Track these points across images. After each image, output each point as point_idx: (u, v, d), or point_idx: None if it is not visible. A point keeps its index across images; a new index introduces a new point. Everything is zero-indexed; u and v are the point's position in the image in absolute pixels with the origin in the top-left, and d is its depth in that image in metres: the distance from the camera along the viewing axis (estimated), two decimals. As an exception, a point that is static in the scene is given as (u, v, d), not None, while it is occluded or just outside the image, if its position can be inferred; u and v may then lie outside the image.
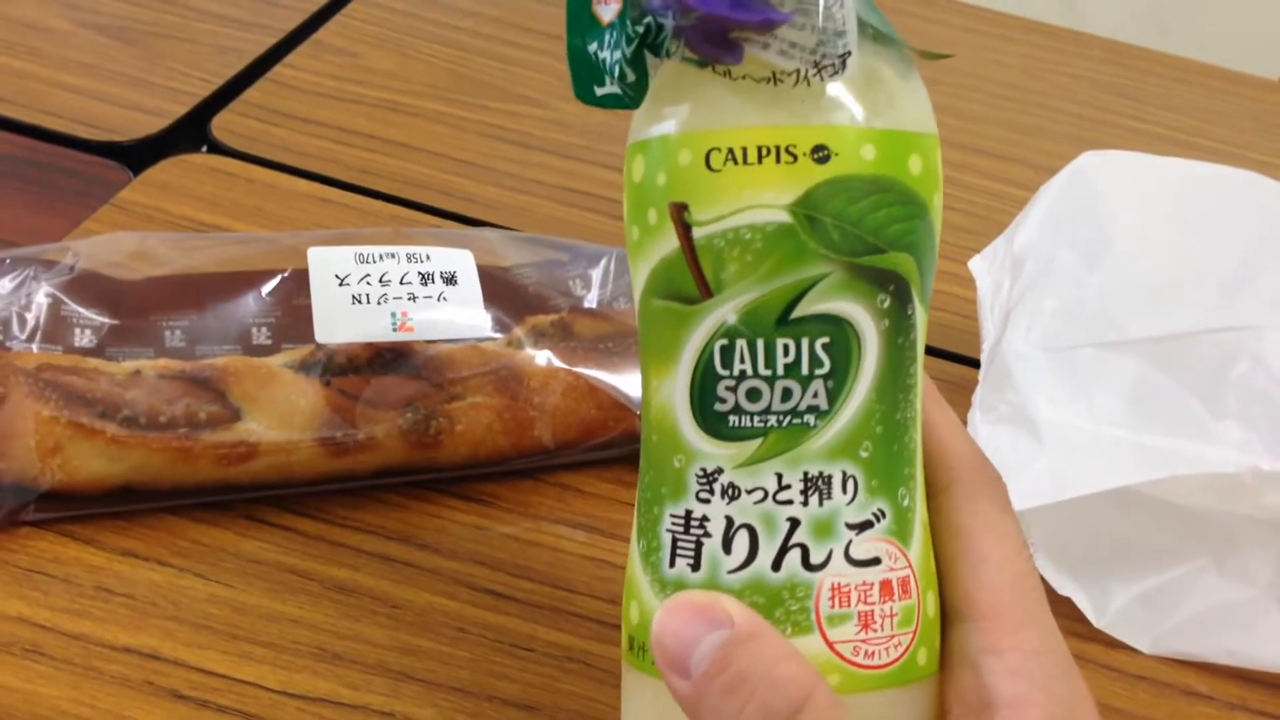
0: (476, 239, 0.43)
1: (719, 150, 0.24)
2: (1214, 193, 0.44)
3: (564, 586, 0.37)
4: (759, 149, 0.24)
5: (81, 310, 0.39)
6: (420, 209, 0.50)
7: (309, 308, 0.39)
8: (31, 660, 0.32)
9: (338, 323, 0.38)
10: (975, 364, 0.44)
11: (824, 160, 0.24)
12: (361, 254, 0.40)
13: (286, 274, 0.40)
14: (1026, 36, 0.74)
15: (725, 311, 0.25)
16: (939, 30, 0.73)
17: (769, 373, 0.25)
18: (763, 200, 0.24)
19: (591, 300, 0.44)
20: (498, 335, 0.41)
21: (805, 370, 0.25)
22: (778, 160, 0.24)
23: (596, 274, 0.45)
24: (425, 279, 0.40)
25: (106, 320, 0.39)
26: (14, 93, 0.51)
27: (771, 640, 0.23)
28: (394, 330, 0.39)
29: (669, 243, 0.25)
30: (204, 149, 0.51)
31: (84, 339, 0.39)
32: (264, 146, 0.51)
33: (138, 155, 0.50)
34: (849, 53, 0.24)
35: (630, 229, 0.26)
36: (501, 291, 0.42)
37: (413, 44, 0.60)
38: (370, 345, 0.39)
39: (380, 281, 0.39)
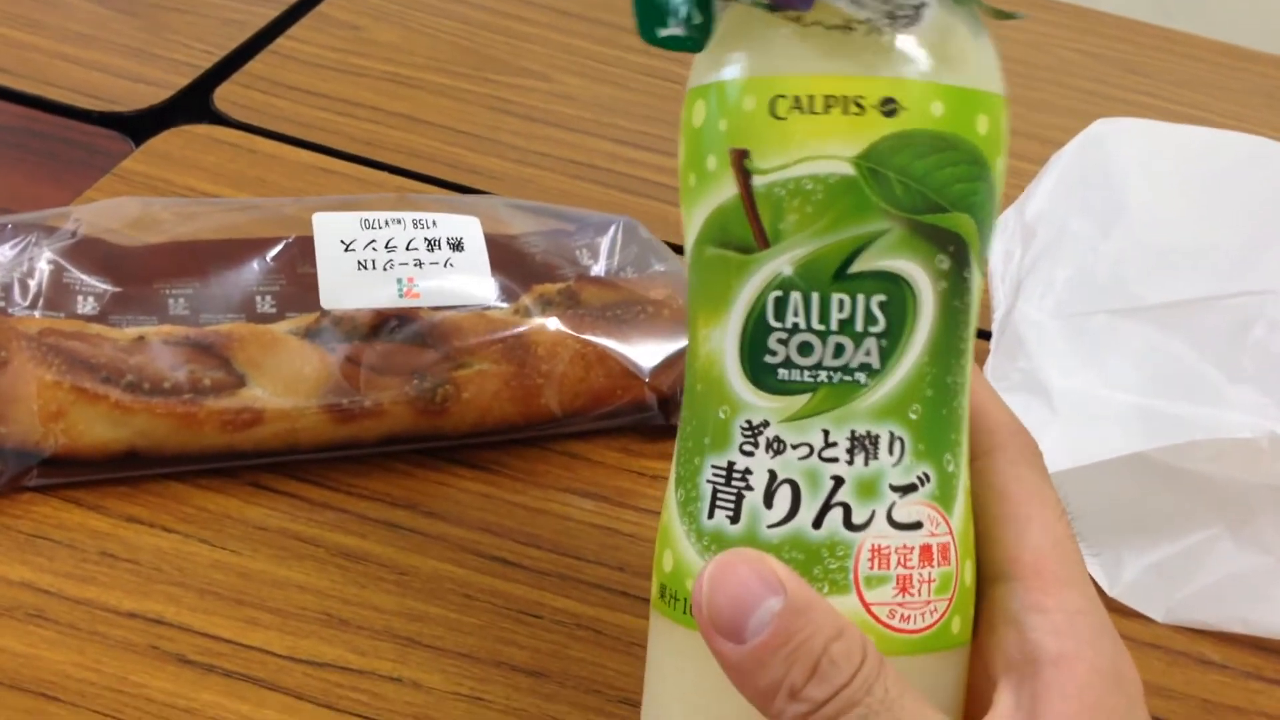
0: (483, 205, 0.43)
1: (785, 98, 0.24)
2: (1227, 159, 0.43)
3: (572, 554, 0.36)
4: (826, 98, 0.24)
5: (84, 277, 0.38)
6: (425, 180, 0.50)
7: (313, 275, 0.39)
8: (35, 625, 0.31)
9: (343, 289, 0.38)
10: (986, 335, 0.44)
11: (891, 114, 0.24)
12: (367, 219, 0.39)
13: (290, 241, 0.40)
14: (1034, 12, 0.74)
15: (781, 262, 0.24)
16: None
17: (822, 327, 0.24)
18: (827, 151, 0.24)
19: (599, 270, 0.44)
20: (505, 303, 0.41)
21: (859, 327, 0.24)
22: (844, 111, 0.24)
23: (604, 243, 0.45)
24: (431, 245, 0.40)
25: (109, 287, 0.39)
26: (16, 64, 0.51)
27: (826, 612, 0.23)
28: (400, 297, 0.38)
29: (727, 189, 0.25)
30: (207, 120, 0.51)
31: (86, 306, 0.38)
32: (267, 118, 0.51)
33: (140, 126, 0.49)
34: (923, 4, 0.24)
35: (686, 175, 0.26)
36: (508, 259, 0.42)
37: (416, 17, 0.60)
38: (376, 312, 0.38)
39: (386, 247, 0.39)
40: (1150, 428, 0.37)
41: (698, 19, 0.25)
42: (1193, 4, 1.51)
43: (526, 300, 0.41)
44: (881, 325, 0.24)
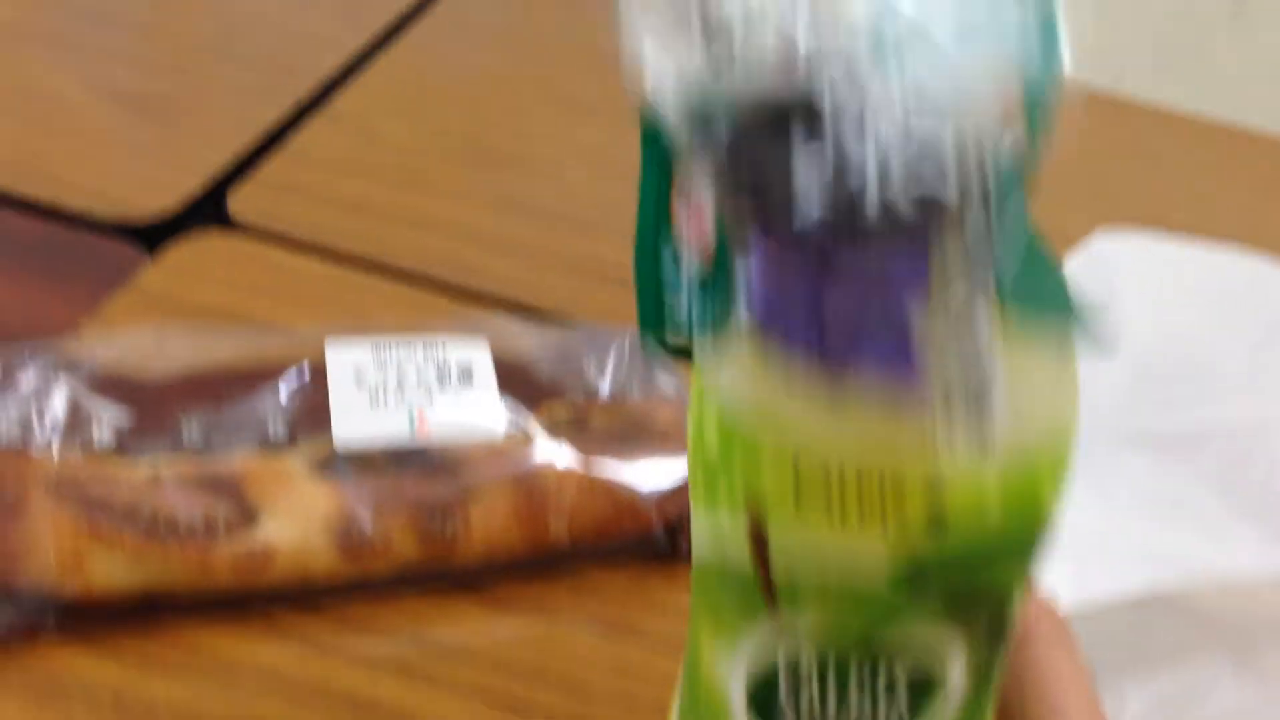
0: (490, 327, 0.44)
1: (814, 482, 0.20)
2: (1228, 281, 0.44)
3: (580, 691, 0.37)
4: (861, 501, 0.20)
5: (100, 407, 0.39)
6: (435, 283, 0.50)
7: (326, 402, 0.39)
8: (50, 777, 0.32)
9: (356, 424, 0.38)
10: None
11: (939, 520, 0.20)
12: (378, 346, 0.40)
13: (304, 368, 0.40)
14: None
15: (793, 629, 0.22)
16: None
17: (836, 703, 0.22)
18: (858, 549, 0.21)
19: (606, 385, 0.44)
20: (516, 425, 0.41)
21: (881, 710, 0.22)
22: (883, 519, 0.20)
23: (610, 358, 0.45)
24: (442, 373, 0.40)
25: (126, 416, 0.39)
26: (30, 169, 0.52)
27: None
28: (411, 430, 0.39)
29: (738, 537, 0.22)
30: (220, 223, 0.51)
31: (103, 435, 0.39)
32: (280, 221, 0.52)
33: (155, 232, 0.50)
34: (990, 397, 0.19)
35: (694, 486, 0.23)
36: (516, 380, 0.42)
37: (427, 110, 0.61)
38: (387, 443, 0.39)
39: (397, 378, 0.39)
40: (1155, 564, 0.37)
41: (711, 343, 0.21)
42: (1195, 78, 1.52)
43: (535, 424, 0.41)
44: (904, 702, 0.22)
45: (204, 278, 0.48)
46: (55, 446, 0.37)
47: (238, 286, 0.48)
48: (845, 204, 0.17)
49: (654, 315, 0.21)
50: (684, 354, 0.22)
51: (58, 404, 0.38)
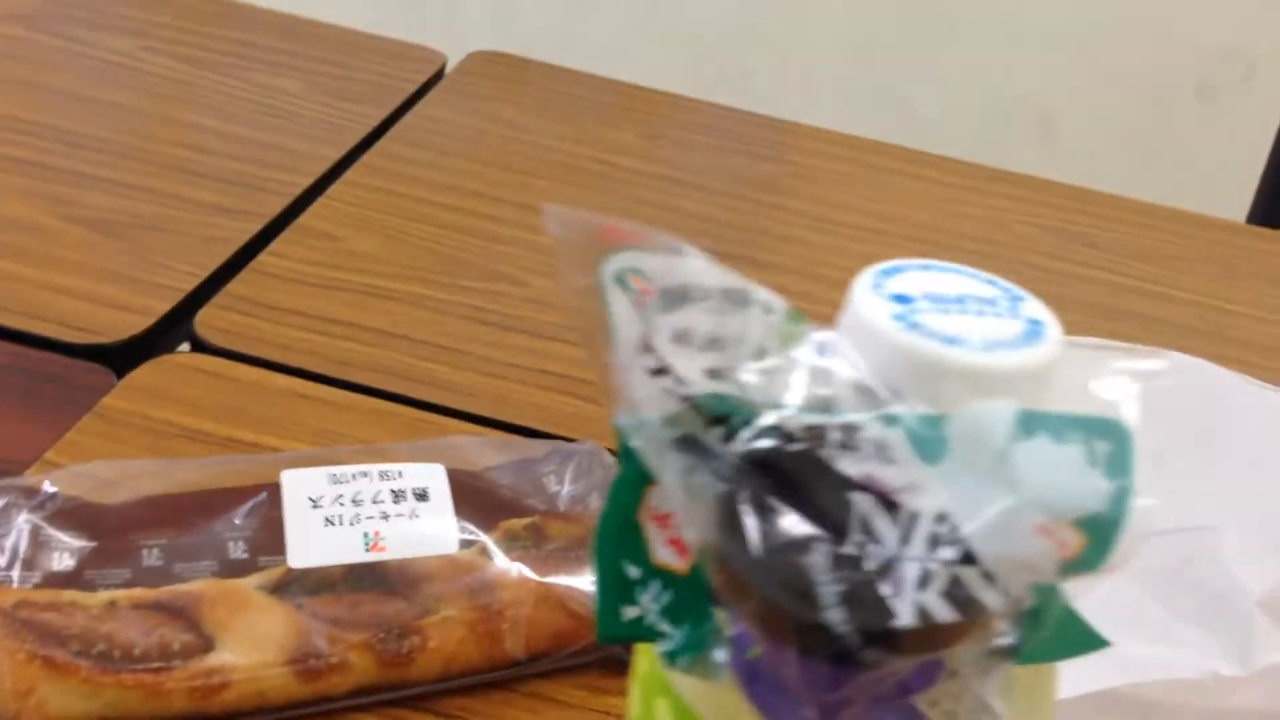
0: (448, 446, 0.44)
1: None
2: (1158, 381, 0.45)
3: (536, 807, 0.37)
4: None
5: (61, 536, 0.40)
6: (398, 400, 0.51)
7: (284, 526, 0.40)
8: None
9: (311, 545, 0.39)
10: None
11: None
12: (335, 475, 0.41)
13: (263, 494, 0.41)
14: (995, 186, 0.76)
15: None
16: (911, 183, 0.75)
17: None
18: None
19: (565, 495, 0.45)
20: (473, 538, 0.42)
21: None
22: None
23: (570, 470, 0.46)
24: (397, 496, 0.41)
25: (85, 543, 0.40)
26: (2, 296, 0.53)
27: None
28: (366, 550, 0.39)
29: None
30: (189, 343, 0.52)
31: (63, 563, 0.39)
32: (247, 341, 0.53)
33: (123, 355, 0.51)
34: None
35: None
36: (474, 497, 0.43)
37: (393, 223, 0.62)
38: (343, 564, 0.39)
39: (353, 502, 0.40)
40: (1103, 668, 0.38)
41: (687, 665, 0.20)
42: (1170, 147, 1.55)
43: (491, 539, 0.42)
44: None
45: (170, 399, 0.49)
46: (15, 577, 0.38)
47: (204, 407, 0.49)
48: (876, 612, 0.16)
49: (612, 607, 0.21)
50: (643, 637, 0.21)
51: (18, 535, 0.39)
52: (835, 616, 0.16)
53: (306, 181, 0.64)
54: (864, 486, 0.17)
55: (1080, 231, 0.73)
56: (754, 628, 0.17)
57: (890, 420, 0.17)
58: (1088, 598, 0.41)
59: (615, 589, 0.21)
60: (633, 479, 0.20)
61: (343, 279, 0.58)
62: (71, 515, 0.40)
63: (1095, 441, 0.17)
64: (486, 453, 0.45)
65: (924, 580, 0.16)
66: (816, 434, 0.18)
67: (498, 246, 0.62)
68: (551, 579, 0.41)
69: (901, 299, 0.20)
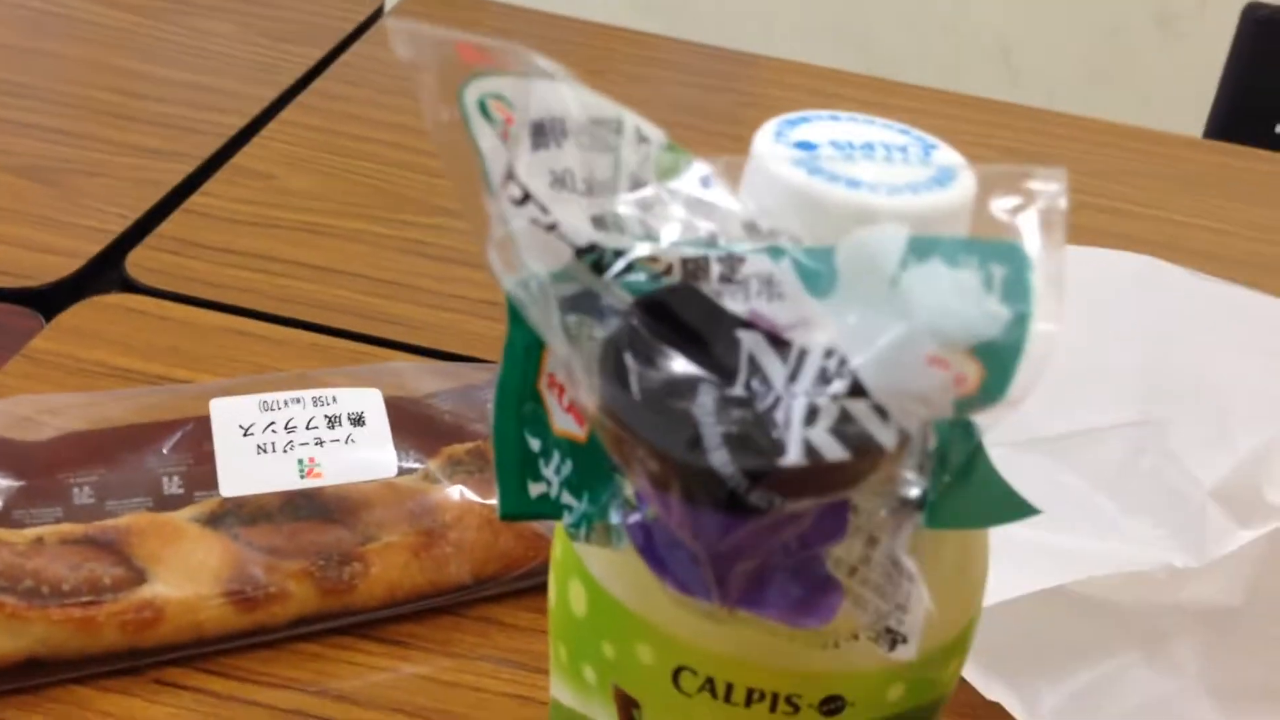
0: (387, 373, 0.43)
1: (693, 674, 0.19)
2: (1114, 280, 0.44)
3: (485, 729, 0.36)
4: (750, 691, 0.19)
5: (-14, 475, 0.38)
6: (339, 335, 0.50)
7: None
8: None
9: (243, 475, 0.38)
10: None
11: (835, 711, 0.19)
12: (265, 401, 0.40)
13: (193, 424, 0.40)
14: (952, 110, 0.75)
15: None
16: (868, 110, 0.74)
17: None
18: None
19: (510, 422, 0.44)
20: (415, 467, 0.41)
21: None
22: (772, 709, 0.19)
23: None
24: (332, 422, 0.40)
25: (13, 483, 0.39)
26: (-74, 243, 0.51)
27: None
28: (301, 477, 0.38)
29: (604, 699, 0.20)
30: (120, 287, 0.51)
31: (-10, 503, 0.38)
32: (180, 281, 0.51)
33: (53, 298, 0.50)
34: (905, 638, 0.18)
35: (555, 641, 0.22)
36: (414, 424, 0.42)
37: (331, 161, 0.61)
38: (280, 492, 0.38)
39: (286, 428, 0.39)
40: (1052, 564, 0.37)
41: (587, 534, 0.19)
42: (1125, 74, 1.54)
43: (433, 465, 0.41)
44: None
45: (101, 340, 0.47)
46: (-62, 517, 0.37)
47: (135, 347, 0.47)
48: (762, 453, 0.15)
49: (516, 484, 0.20)
50: (549, 514, 0.20)
51: (-59, 474, 0.38)
52: (719, 458, 0.15)
53: (240, 122, 0.62)
54: (750, 324, 0.16)
55: (1037, 151, 0.72)
56: (643, 482, 0.16)
57: (775, 252, 0.16)
58: (1031, 489, 0.40)
59: (518, 464, 0.20)
60: (526, 344, 0.19)
61: (279, 217, 0.56)
62: (-4, 454, 0.39)
63: (992, 266, 0.16)
64: (427, 379, 0.44)
65: (811, 416, 0.15)
66: (697, 267, 0.17)
67: (438, 181, 0.60)
68: (495, 501, 0.40)
69: (805, 145, 0.19)
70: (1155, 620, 0.38)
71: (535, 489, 0.20)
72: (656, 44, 0.78)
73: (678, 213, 0.17)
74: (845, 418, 0.15)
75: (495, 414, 0.20)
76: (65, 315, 0.48)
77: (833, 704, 0.19)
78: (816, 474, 0.15)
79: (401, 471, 0.40)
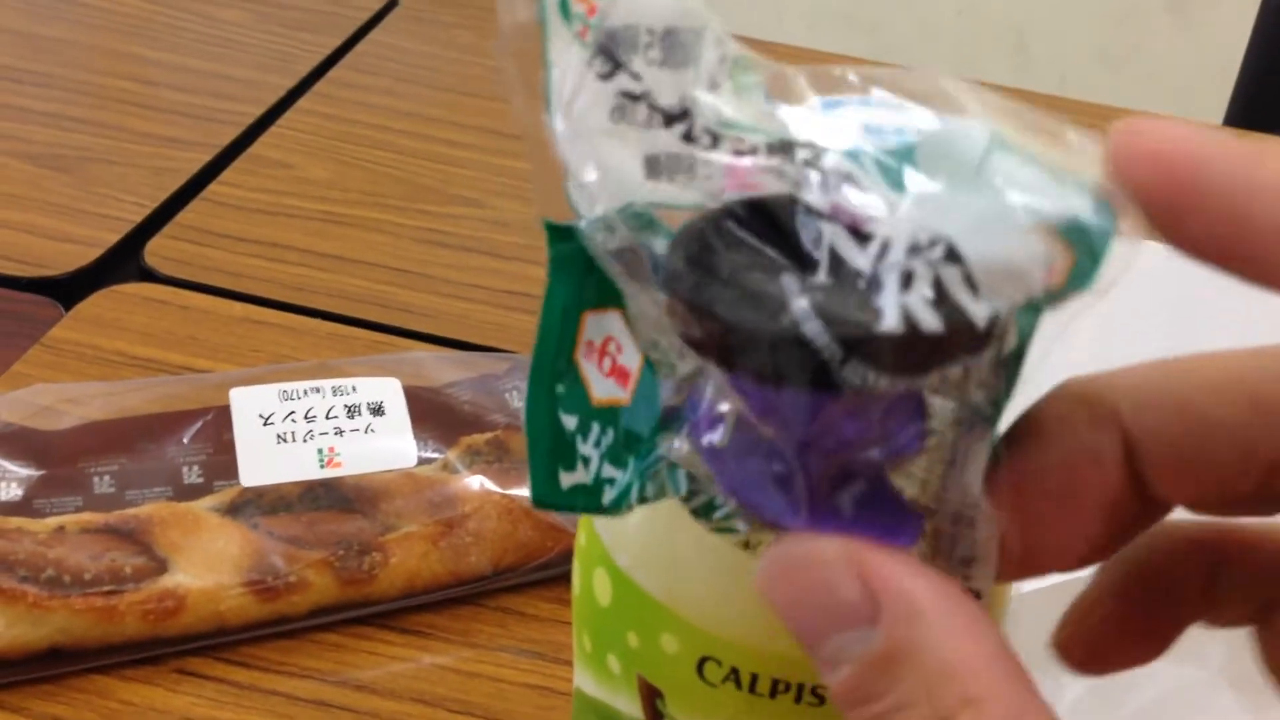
0: (406, 362, 0.43)
1: (718, 664, 0.18)
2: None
3: (506, 719, 0.36)
4: (775, 681, 0.18)
5: (6, 465, 0.38)
6: (357, 324, 0.50)
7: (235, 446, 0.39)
8: (-44, 842, 0.31)
9: (263, 464, 0.38)
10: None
11: None
12: (285, 391, 0.39)
13: (213, 413, 0.40)
14: (967, 97, 0.75)
15: None
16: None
17: None
18: (769, 713, 0.19)
19: (529, 411, 0.44)
20: (434, 456, 0.41)
21: None
22: (797, 699, 0.18)
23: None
24: (352, 411, 0.40)
25: (32, 471, 0.39)
26: (-55, 232, 0.51)
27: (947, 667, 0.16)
28: (321, 467, 0.38)
29: (628, 688, 0.20)
30: (138, 277, 0.51)
31: (11, 492, 0.38)
32: (198, 270, 0.51)
33: (71, 287, 0.50)
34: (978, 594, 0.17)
35: (579, 630, 0.21)
36: (433, 414, 0.42)
37: (349, 150, 0.61)
38: (300, 482, 0.38)
39: (305, 418, 0.39)
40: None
41: (630, 504, 0.18)
42: (1134, 58, 1.53)
43: (453, 455, 0.41)
44: None
45: (119, 328, 0.47)
46: (-40, 506, 0.37)
47: (154, 336, 0.47)
48: (855, 321, 0.14)
49: (547, 472, 0.19)
50: (584, 502, 0.19)
51: (-38, 463, 0.38)
52: (812, 327, 0.14)
53: (257, 111, 0.62)
54: (832, 217, 0.15)
55: (1053, 139, 0.72)
56: (727, 373, 0.16)
57: (853, 154, 0.16)
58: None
59: (549, 449, 0.19)
60: (564, 305, 0.18)
61: (297, 206, 0.56)
62: (15, 443, 0.39)
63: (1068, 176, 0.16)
64: (446, 369, 0.44)
65: (907, 280, 0.15)
66: (782, 148, 0.16)
67: (456, 170, 0.60)
68: (516, 491, 0.40)
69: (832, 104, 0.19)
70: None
71: (568, 479, 0.19)
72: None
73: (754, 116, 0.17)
74: (940, 288, 0.15)
75: (529, 392, 0.19)
76: (84, 305, 0.48)
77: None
78: (910, 347, 0.14)
79: (421, 461, 0.40)
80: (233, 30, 0.69)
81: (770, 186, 0.16)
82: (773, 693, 0.19)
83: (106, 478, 0.39)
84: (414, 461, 0.40)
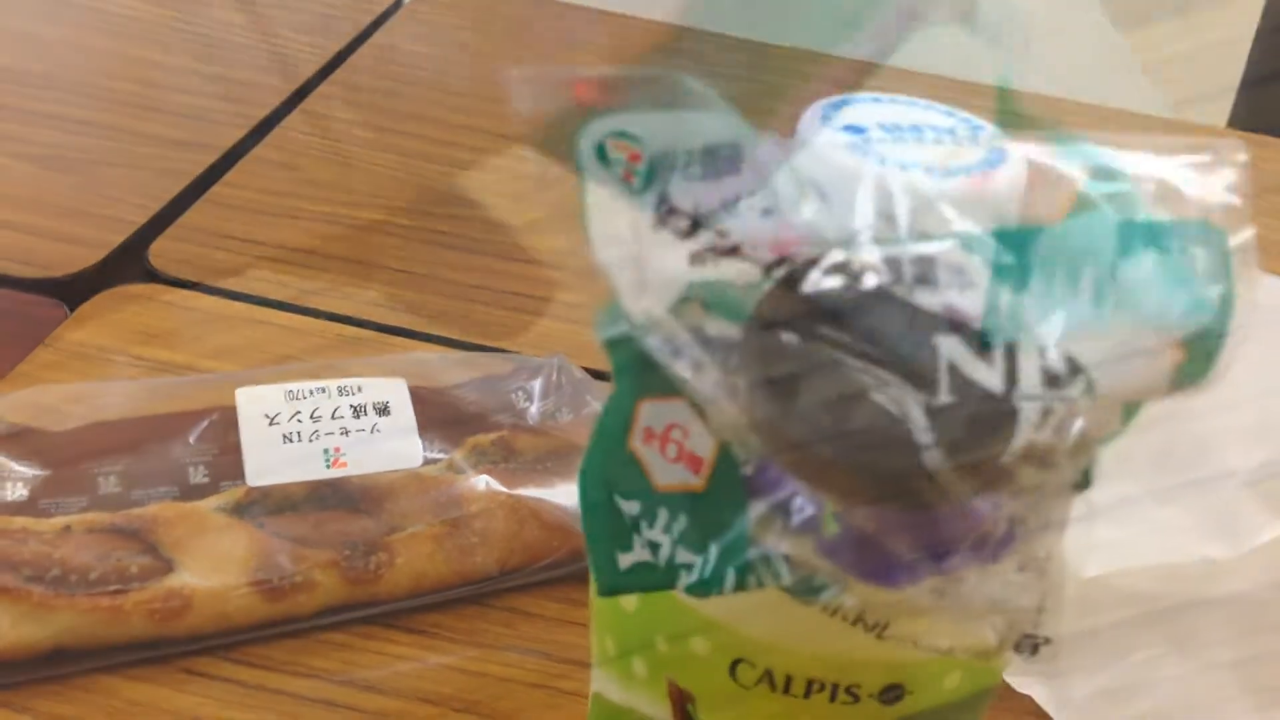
0: (412, 363, 0.43)
1: (751, 666, 0.18)
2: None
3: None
4: (809, 682, 0.18)
5: (11, 465, 0.38)
6: (363, 325, 0.50)
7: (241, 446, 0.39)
8: (-38, 843, 0.31)
9: (269, 464, 0.38)
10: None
11: (894, 700, 0.18)
12: (291, 391, 0.39)
13: (218, 413, 0.40)
14: (969, 99, 0.75)
15: None
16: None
17: None
18: (800, 716, 0.19)
19: (534, 412, 0.44)
20: (440, 457, 0.41)
21: None
22: (832, 699, 0.18)
23: (538, 386, 0.45)
24: (358, 412, 0.40)
25: (38, 472, 0.39)
26: (-51, 233, 0.51)
27: None
28: (327, 467, 0.38)
29: (656, 704, 0.20)
30: (143, 279, 0.51)
31: (16, 492, 0.38)
32: (203, 271, 0.51)
33: (76, 289, 0.50)
34: (1048, 640, 0.18)
35: (602, 639, 0.21)
36: (439, 414, 0.42)
37: (353, 152, 0.61)
38: (306, 482, 0.38)
39: (311, 418, 0.39)
40: (1086, 555, 0.37)
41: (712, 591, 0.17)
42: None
43: (459, 455, 0.41)
44: None
45: (123, 329, 0.47)
46: (-35, 506, 0.37)
47: (158, 337, 0.47)
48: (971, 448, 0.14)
49: (606, 556, 0.19)
50: (650, 586, 0.18)
51: (-33, 464, 0.37)
52: (937, 461, 0.14)
53: (262, 113, 0.62)
54: (946, 321, 0.15)
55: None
56: (840, 499, 0.15)
57: (969, 242, 0.15)
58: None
59: (610, 534, 0.19)
60: (624, 399, 0.18)
61: (301, 208, 0.56)
62: (19, 443, 0.39)
63: (1193, 248, 0.16)
64: (451, 370, 0.44)
65: (1044, 416, 0.15)
66: (893, 266, 0.15)
67: (460, 171, 0.60)
68: (522, 491, 0.40)
69: (854, 129, 0.19)
70: (1189, 612, 0.38)
71: (626, 559, 0.19)
72: (672, 33, 0.78)
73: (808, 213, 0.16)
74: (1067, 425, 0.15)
75: (582, 483, 0.19)
76: (88, 305, 0.48)
77: (892, 693, 0.19)
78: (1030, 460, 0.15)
79: (426, 461, 0.40)
80: (237, 32, 0.69)
81: (832, 257, 0.16)
82: (807, 693, 0.19)
83: (112, 478, 0.39)
84: (420, 462, 0.40)
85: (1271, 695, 0.39)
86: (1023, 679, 0.38)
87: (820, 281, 0.15)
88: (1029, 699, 0.38)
